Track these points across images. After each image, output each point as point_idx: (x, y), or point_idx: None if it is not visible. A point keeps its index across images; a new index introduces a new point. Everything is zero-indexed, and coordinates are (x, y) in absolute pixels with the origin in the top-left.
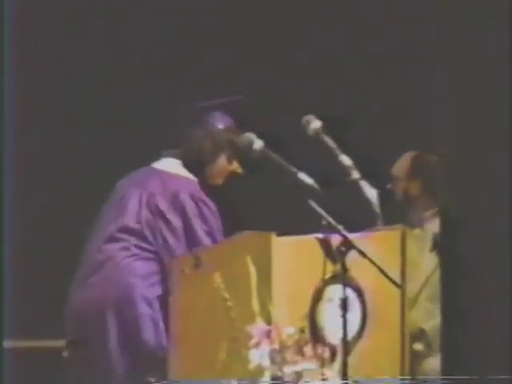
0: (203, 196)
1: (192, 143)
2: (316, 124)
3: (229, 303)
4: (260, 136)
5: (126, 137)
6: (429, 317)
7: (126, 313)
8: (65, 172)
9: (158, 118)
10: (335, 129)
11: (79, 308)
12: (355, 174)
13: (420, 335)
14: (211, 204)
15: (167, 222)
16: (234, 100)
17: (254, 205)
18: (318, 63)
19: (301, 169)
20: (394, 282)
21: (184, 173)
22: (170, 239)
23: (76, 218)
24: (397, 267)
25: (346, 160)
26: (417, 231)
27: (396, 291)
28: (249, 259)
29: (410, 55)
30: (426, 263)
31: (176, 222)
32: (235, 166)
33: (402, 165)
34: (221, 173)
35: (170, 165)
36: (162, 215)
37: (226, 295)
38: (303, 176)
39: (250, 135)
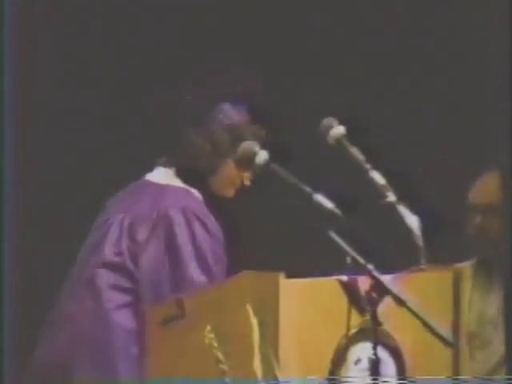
0: (201, 210)
1: (188, 147)
2: (339, 130)
3: (223, 366)
4: (264, 146)
5: (128, 137)
6: None
7: None
8: (65, 172)
9: (160, 119)
10: (363, 137)
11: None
12: (391, 196)
13: None
14: (212, 223)
15: (147, 251)
16: (249, 87)
17: (256, 237)
18: (341, 53)
19: (317, 189)
20: (445, 340)
21: (177, 183)
22: (150, 275)
23: (76, 220)
24: (448, 319)
25: (378, 177)
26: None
27: (447, 352)
28: (249, 308)
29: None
30: None
31: (158, 250)
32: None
33: (489, 191)
34: (230, 182)
35: (160, 175)
36: (141, 243)
37: (220, 355)
38: (321, 198)
39: (251, 144)
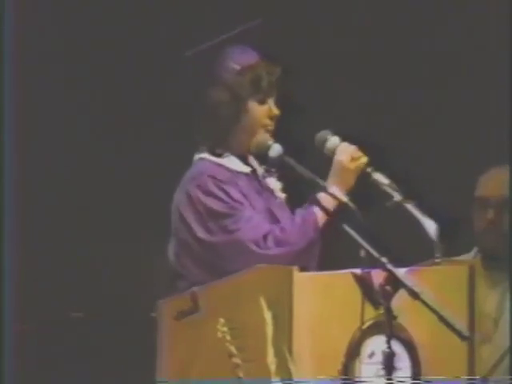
0: (202, 176)
1: (206, 101)
2: (334, 141)
3: (236, 359)
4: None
5: (128, 137)
6: None
7: None
8: (65, 172)
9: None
10: (361, 141)
11: None
12: (397, 196)
13: None
14: (212, 185)
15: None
16: (251, 27)
17: None
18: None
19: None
20: (459, 333)
21: (205, 156)
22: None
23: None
24: (463, 313)
25: (381, 178)
26: None
27: (462, 346)
28: (263, 302)
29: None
30: None
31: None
32: (274, 108)
33: (500, 184)
34: (260, 124)
35: (197, 154)
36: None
37: (233, 349)
38: (336, 191)
39: (265, 138)
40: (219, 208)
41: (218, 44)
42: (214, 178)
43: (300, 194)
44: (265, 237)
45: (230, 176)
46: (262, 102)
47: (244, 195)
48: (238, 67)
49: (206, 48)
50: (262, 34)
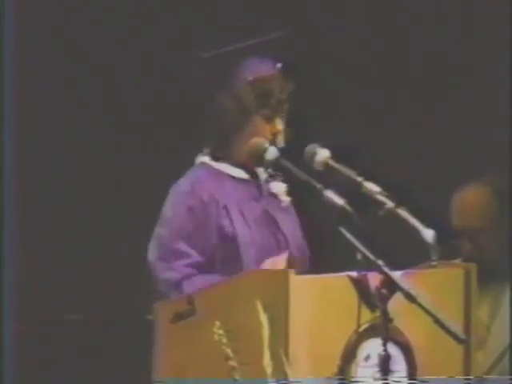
0: (187, 184)
1: (213, 106)
2: (323, 154)
3: (232, 362)
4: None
5: (128, 137)
6: None
7: None
8: (65, 172)
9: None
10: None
11: None
12: (389, 203)
13: None
14: (194, 195)
15: None
16: (273, 39)
17: None
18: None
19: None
20: (455, 336)
21: (205, 160)
22: None
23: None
24: (459, 316)
25: (372, 186)
26: None
27: (458, 349)
28: (259, 305)
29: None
30: None
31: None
32: (278, 124)
33: (471, 213)
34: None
35: (198, 158)
36: None
37: (229, 351)
38: (331, 194)
39: (261, 141)
40: (173, 231)
41: (235, 50)
42: (192, 195)
43: (308, 195)
44: (179, 281)
45: (215, 189)
46: (269, 120)
47: (226, 209)
48: (250, 78)
49: (223, 52)
50: (279, 41)
